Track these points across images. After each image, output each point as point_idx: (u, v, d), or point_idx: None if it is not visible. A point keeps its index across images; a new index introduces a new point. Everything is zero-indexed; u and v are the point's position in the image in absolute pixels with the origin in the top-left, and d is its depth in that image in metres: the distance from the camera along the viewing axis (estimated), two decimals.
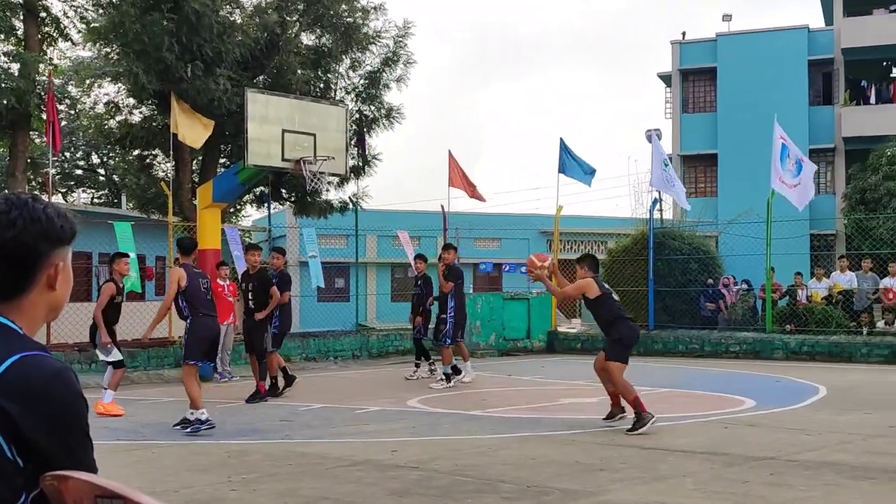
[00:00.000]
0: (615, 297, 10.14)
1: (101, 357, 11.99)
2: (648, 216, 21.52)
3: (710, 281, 21.50)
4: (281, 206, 24.05)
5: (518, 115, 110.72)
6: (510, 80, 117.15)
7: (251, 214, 38.16)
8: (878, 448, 8.27)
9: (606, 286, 10.19)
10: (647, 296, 20.79)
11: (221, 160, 20.67)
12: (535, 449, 8.51)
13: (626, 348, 9.87)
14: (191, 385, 9.94)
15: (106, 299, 11.64)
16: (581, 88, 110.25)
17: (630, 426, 9.41)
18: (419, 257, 16.03)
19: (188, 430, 9.79)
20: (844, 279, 19.80)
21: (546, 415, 11.09)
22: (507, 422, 10.53)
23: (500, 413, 11.25)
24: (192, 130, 16.57)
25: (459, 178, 22.26)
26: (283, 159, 15.22)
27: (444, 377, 14.16)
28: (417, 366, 15.82)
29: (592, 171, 22.07)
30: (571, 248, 40.65)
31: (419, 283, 15.77)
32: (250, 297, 12.92)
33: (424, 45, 71.90)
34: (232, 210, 25.11)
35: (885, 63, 40.89)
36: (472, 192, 22.27)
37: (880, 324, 19.11)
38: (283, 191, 21.17)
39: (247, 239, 38.68)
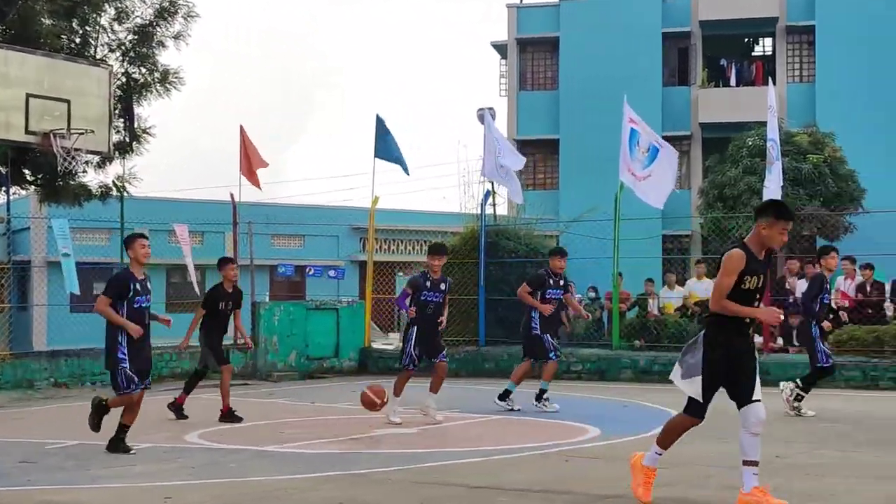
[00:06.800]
0: None
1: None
2: (480, 211, 21.83)
3: None
4: (23, 191, 23.23)
5: (327, 88, 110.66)
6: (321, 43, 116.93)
7: None
8: (738, 482, 8.65)
9: None
10: (478, 305, 21.05)
11: None
12: (343, 490, 8.48)
13: None
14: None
15: None
16: (403, 57, 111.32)
17: None
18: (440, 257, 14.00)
19: None
20: (701, 288, 20.69)
21: (357, 449, 11.09)
22: (309, 458, 10.45)
23: (302, 448, 11.14)
24: None
25: (254, 160, 21.97)
26: (28, 131, 14.78)
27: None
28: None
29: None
30: (389, 248, 40.94)
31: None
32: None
33: None
34: None
35: (746, 40, 43.19)
36: (252, 175, 21.82)
37: None
38: (27, 171, 20.44)
39: None
